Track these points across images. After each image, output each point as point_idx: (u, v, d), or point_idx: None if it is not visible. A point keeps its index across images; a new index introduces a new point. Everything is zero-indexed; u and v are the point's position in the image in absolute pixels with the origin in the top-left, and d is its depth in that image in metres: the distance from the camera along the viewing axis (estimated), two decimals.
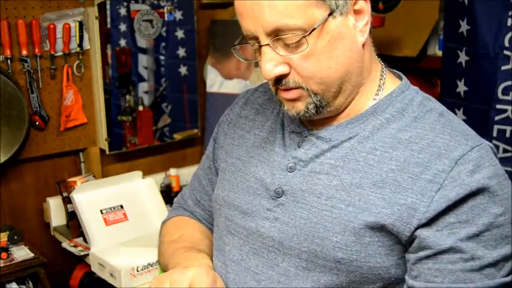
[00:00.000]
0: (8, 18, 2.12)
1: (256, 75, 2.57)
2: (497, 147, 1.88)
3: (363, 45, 0.96)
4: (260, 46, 0.93)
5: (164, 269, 1.15)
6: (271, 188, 1.02)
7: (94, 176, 2.32)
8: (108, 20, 2.39)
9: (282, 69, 0.93)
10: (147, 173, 2.41)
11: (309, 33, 0.89)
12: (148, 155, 2.64)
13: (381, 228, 0.91)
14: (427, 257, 0.90)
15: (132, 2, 2.43)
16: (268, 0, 0.88)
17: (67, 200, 2.18)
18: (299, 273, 0.97)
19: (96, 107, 2.40)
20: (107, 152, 2.44)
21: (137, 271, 1.89)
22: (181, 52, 2.61)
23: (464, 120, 1.93)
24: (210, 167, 1.22)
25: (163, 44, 2.56)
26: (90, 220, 2.05)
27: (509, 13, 1.84)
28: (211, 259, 1.12)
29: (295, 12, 0.88)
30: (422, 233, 0.89)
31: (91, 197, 2.09)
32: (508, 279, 0.90)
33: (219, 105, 2.61)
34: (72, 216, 2.17)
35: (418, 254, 0.91)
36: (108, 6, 2.37)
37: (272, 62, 0.92)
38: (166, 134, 2.65)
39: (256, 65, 2.47)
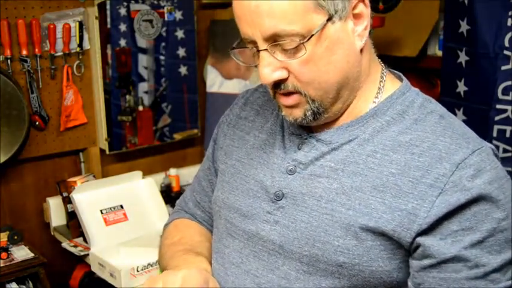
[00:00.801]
0: (8, 18, 2.12)
1: (256, 75, 2.56)
2: (497, 147, 1.87)
3: (362, 49, 0.95)
4: (258, 51, 0.92)
5: (163, 270, 1.16)
6: (271, 191, 1.01)
7: (94, 176, 2.32)
8: (108, 20, 2.39)
9: (280, 74, 0.92)
10: (147, 173, 2.41)
11: (307, 40, 0.88)
12: (148, 155, 2.64)
13: (381, 233, 0.91)
14: (431, 266, 0.89)
15: (132, 2, 2.43)
16: (267, 6, 0.87)
17: (67, 200, 2.18)
18: (300, 277, 0.96)
19: (96, 107, 2.40)
20: (107, 152, 2.44)
21: (137, 271, 1.89)
22: (181, 52, 2.61)
23: (464, 121, 1.94)
24: (210, 168, 1.22)
25: (163, 44, 2.56)
26: (90, 220, 2.05)
27: (509, 13, 1.84)
28: (211, 262, 1.12)
29: (294, 18, 0.87)
30: (426, 241, 0.88)
31: (91, 197, 2.09)
32: None
33: (219, 105, 2.61)
34: (72, 216, 2.17)
35: (422, 262, 0.90)
36: (108, 6, 2.37)
37: (270, 67, 0.92)
38: (166, 134, 2.65)
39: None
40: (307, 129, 1.02)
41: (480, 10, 1.89)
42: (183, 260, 1.09)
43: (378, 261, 0.92)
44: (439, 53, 2.25)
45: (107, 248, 2.00)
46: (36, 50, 2.18)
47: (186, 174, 2.61)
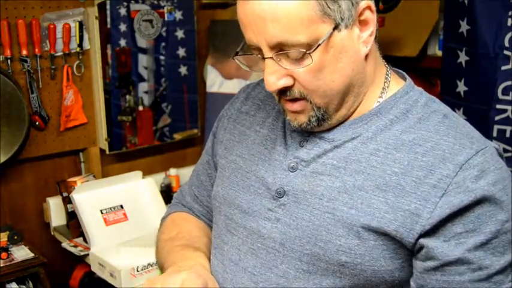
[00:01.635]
0: (8, 18, 2.12)
1: (257, 75, 2.57)
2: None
3: (367, 55, 0.94)
4: (263, 58, 0.91)
5: (161, 266, 1.15)
6: (273, 188, 1.01)
7: (94, 176, 2.32)
8: (108, 20, 2.39)
9: (285, 82, 0.92)
10: (147, 173, 2.41)
11: (314, 50, 0.87)
12: (149, 155, 2.64)
13: (384, 233, 0.90)
14: (435, 268, 0.89)
15: (132, 2, 2.43)
16: (272, 15, 0.86)
17: (67, 200, 2.18)
18: (299, 276, 0.96)
19: (96, 107, 2.40)
20: (107, 152, 2.44)
21: (137, 271, 1.89)
22: (181, 52, 2.61)
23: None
24: (209, 162, 1.21)
25: (163, 44, 2.56)
26: (90, 220, 2.05)
27: (509, 13, 1.84)
28: (209, 257, 1.11)
29: (299, 28, 0.86)
30: (429, 242, 0.88)
31: (91, 197, 2.09)
32: None
33: (219, 105, 2.60)
34: (72, 216, 2.17)
35: (425, 264, 0.90)
36: (108, 6, 2.37)
37: (275, 75, 0.91)
38: (166, 134, 2.65)
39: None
40: None
41: (480, 10, 1.89)
42: (181, 256, 1.08)
43: (380, 261, 0.91)
44: (439, 53, 2.25)
45: (107, 248, 2.00)
46: (36, 50, 2.18)
47: (186, 174, 2.61)
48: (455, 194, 0.87)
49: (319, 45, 0.87)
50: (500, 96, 1.87)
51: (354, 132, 0.97)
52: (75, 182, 2.21)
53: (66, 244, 2.18)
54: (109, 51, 2.41)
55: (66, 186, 2.21)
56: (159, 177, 2.56)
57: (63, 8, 2.23)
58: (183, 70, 2.63)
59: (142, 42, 2.49)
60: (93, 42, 2.31)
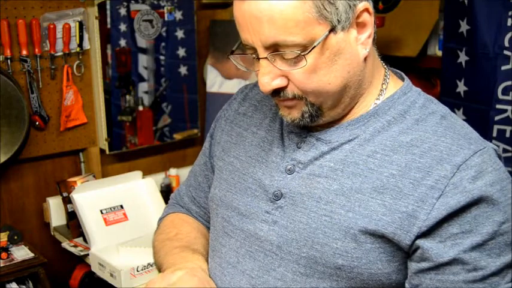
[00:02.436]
0: (8, 18, 2.12)
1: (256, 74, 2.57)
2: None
3: (365, 57, 0.94)
4: (258, 58, 0.91)
5: (159, 266, 1.15)
6: (270, 190, 1.00)
7: (94, 176, 2.32)
8: (108, 20, 2.39)
9: (279, 83, 0.92)
10: (147, 173, 2.41)
11: (309, 52, 0.87)
12: (148, 155, 2.64)
13: (381, 236, 0.90)
14: (430, 269, 0.89)
15: (132, 2, 2.43)
16: (268, 15, 0.86)
17: (67, 200, 2.18)
18: (296, 279, 0.95)
19: (96, 107, 2.40)
20: (107, 152, 2.44)
21: (137, 271, 1.89)
22: (181, 52, 2.61)
23: (464, 120, 1.93)
24: (206, 164, 1.21)
25: (163, 44, 2.56)
26: (90, 220, 2.05)
27: (509, 13, 1.84)
28: (207, 259, 1.11)
29: (295, 29, 0.86)
30: (425, 243, 0.88)
31: (91, 197, 2.09)
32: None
33: (219, 105, 2.58)
34: (72, 216, 2.17)
35: (420, 264, 0.89)
36: (108, 6, 2.37)
37: (270, 75, 0.91)
38: (166, 134, 2.65)
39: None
40: (306, 128, 1.01)
41: (480, 10, 1.89)
42: (180, 258, 1.08)
43: (377, 264, 0.91)
44: (439, 53, 2.25)
45: (107, 248, 1.99)
46: (36, 50, 2.18)
47: (186, 174, 2.58)
48: (452, 195, 0.86)
49: (315, 47, 0.87)
50: (500, 96, 1.87)
51: (351, 133, 0.97)
52: (75, 182, 2.21)
53: (66, 244, 2.18)
54: (109, 51, 2.41)
55: (66, 186, 2.21)
56: (159, 177, 2.56)
57: (63, 8, 2.23)
58: (183, 70, 2.63)
59: (142, 42, 2.49)
60: (93, 42, 2.31)
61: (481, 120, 1.91)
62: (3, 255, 2.01)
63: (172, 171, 2.59)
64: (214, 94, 2.68)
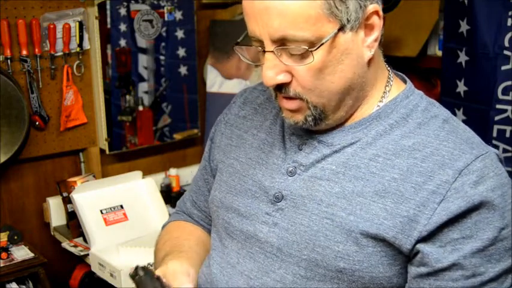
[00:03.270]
0: (8, 18, 2.12)
1: (257, 75, 2.57)
2: (497, 147, 1.87)
3: (369, 60, 0.93)
4: (264, 51, 0.90)
5: None
6: (271, 192, 1.00)
7: (94, 176, 2.32)
8: (108, 20, 2.39)
9: (283, 78, 0.90)
10: (147, 173, 2.41)
11: (316, 48, 0.86)
12: (149, 155, 2.64)
13: (383, 240, 0.90)
14: (428, 274, 0.88)
15: (132, 2, 2.43)
16: (278, 8, 0.84)
17: (67, 200, 2.18)
18: (297, 281, 0.95)
19: (96, 107, 2.40)
20: (107, 152, 2.43)
21: None
22: (181, 52, 2.61)
23: (464, 121, 1.94)
24: (206, 167, 1.21)
25: (163, 44, 2.56)
26: (90, 220, 2.05)
27: (509, 13, 1.84)
28: (195, 257, 1.10)
29: (304, 24, 0.85)
30: (425, 248, 0.88)
31: (91, 197, 2.09)
32: None
33: (219, 105, 2.60)
34: (72, 216, 2.17)
35: (419, 269, 0.89)
36: (108, 6, 2.37)
37: (274, 70, 0.90)
38: (166, 134, 2.65)
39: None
40: (308, 130, 1.00)
41: (480, 10, 1.89)
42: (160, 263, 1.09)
43: (379, 267, 0.90)
44: (439, 53, 2.25)
45: (107, 248, 1.99)
46: (36, 50, 2.18)
47: (186, 174, 2.61)
48: (453, 200, 0.86)
49: (323, 44, 0.86)
50: (500, 96, 1.87)
51: (353, 137, 0.96)
52: (75, 182, 2.21)
53: (66, 244, 2.18)
54: (109, 51, 2.41)
55: (66, 186, 2.21)
56: (159, 177, 2.56)
57: (63, 8, 2.23)
58: (183, 70, 2.63)
59: (142, 42, 2.49)
60: (93, 42, 2.31)
61: (481, 120, 1.91)
62: (3, 255, 2.01)
63: (172, 171, 2.59)
64: (214, 94, 2.68)
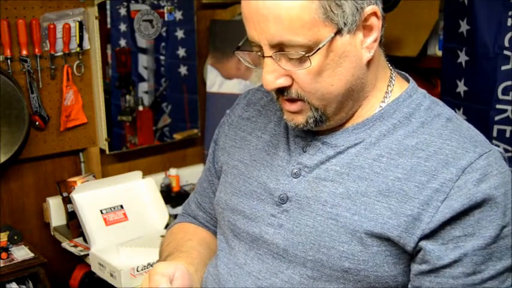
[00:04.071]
0: (8, 18, 2.12)
1: (257, 75, 2.57)
2: (497, 147, 1.87)
3: (369, 61, 0.93)
4: (263, 56, 0.91)
5: None
6: (276, 194, 1.00)
7: (94, 176, 2.32)
8: (108, 20, 2.39)
9: (283, 82, 0.91)
10: (147, 173, 2.41)
11: (313, 53, 0.87)
12: (149, 155, 2.64)
13: (387, 239, 0.90)
14: (430, 271, 0.89)
15: (132, 2, 2.43)
16: (274, 14, 0.85)
17: (67, 200, 2.18)
18: (304, 282, 0.96)
19: (96, 107, 2.40)
20: (107, 152, 2.43)
21: (137, 271, 1.88)
22: (181, 52, 2.61)
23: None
24: (210, 169, 1.21)
25: (163, 44, 2.56)
26: (90, 220, 2.05)
27: (509, 13, 1.84)
28: (196, 257, 1.11)
29: (301, 30, 0.85)
30: (427, 245, 0.88)
31: (91, 197, 2.09)
32: None
33: (219, 105, 2.61)
34: (72, 216, 2.17)
35: (421, 266, 0.90)
36: (108, 6, 2.37)
37: (274, 74, 0.91)
38: (166, 134, 2.65)
39: None
40: (312, 131, 1.01)
41: (480, 10, 1.89)
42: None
43: (384, 267, 0.91)
44: (439, 53, 2.25)
45: (107, 248, 1.99)
46: (36, 50, 2.18)
47: (186, 174, 2.61)
48: (456, 198, 0.86)
49: (319, 48, 0.87)
50: (500, 96, 1.87)
51: (356, 137, 0.97)
52: (75, 182, 2.21)
53: (66, 244, 2.18)
54: (109, 51, 2.40)
55: (66, 186, 2.21)
56: (159, 177, 2.56)
57: (63, 8, 2.23)
58: (183, 70, 2.63)
59: (142, 42, 2.49)
60: (93, 42, 2.31)
61: (481, 120, 1.91)
62: (3, 255, 2.01)
63: (172, 171, 2.59)
64: (214, 94, 2.68)
